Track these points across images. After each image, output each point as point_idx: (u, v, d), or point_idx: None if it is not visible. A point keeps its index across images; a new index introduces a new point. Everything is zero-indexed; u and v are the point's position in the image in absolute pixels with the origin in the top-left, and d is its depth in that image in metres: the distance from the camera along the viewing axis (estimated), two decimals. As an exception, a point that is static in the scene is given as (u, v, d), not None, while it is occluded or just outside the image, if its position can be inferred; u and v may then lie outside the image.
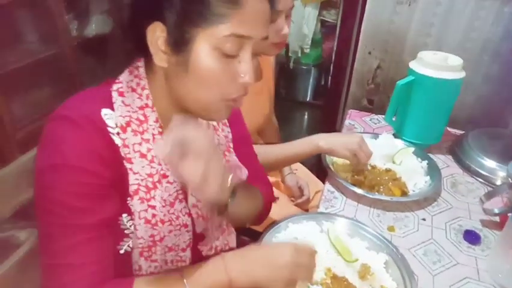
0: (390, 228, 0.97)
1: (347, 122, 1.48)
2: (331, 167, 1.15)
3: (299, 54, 3.26)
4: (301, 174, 1.48)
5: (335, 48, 1.80)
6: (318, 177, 1.51)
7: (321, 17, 3.22)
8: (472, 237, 0.94)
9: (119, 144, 0.63)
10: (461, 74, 1.16)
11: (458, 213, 1.04)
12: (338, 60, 1.81)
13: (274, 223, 0.90)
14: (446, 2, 1.41)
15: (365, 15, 1.56)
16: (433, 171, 1.14)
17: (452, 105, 1.22)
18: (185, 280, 0.63)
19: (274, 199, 0.97)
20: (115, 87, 0.66)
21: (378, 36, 1.57)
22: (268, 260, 0.65)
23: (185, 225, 0.71)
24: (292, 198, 1.41)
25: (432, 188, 1.08)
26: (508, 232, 0.80)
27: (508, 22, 1.36)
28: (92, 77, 2.37)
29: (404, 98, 1.23)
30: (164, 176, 0.67)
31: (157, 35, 0.60)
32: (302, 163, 1.54)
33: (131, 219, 0.65)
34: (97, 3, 2.37)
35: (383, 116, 1.38)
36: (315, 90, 3.52)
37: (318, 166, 1.87)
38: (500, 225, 0.98)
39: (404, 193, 1.06)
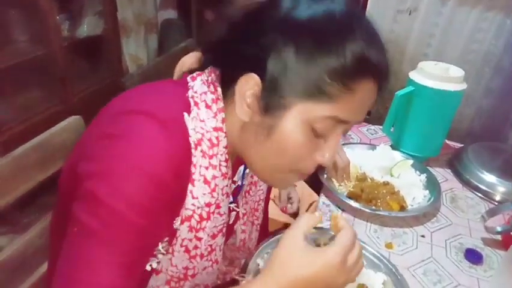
0: (388, 245, 0.92)
1: (343, 132, 1.43)
2: (326, 176, 1.10)
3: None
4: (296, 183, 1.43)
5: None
6: (312, 187, 1.46)
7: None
8: (473, 256, 0.90)
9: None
10: (463, 86, 1.13)
11: (458, 230, 1.00)
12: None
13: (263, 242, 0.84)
14: (447, 13, 1.38)
15: (364, 23, 1.52)
16: (432, 185, 1.10)
17: (452, 118, 1.19)
18: None
19: None
20: (190, 93, 0.57)
21: (377, 45, 1.54)
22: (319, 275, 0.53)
23: (217, 261, 0.66)
24: (277, 202, 1.36)
25: (432, 203, 1.03)
26: (513, 253, 0.76)
27: (510, 35, 1.34)
28: (82, 78, 2.32)
29: (403, 108, 1.19)
30: (218, 207, 0.60)
31: (248, 86, 0.54)
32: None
33: (170, 243, 0.59)
34: (90, 4, 2.32)
35: (380, 126, 1.34)
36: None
37: (313, 175, 1.82)
38: (502, 244, 0.94)
39: (403, 208, 1.01)
